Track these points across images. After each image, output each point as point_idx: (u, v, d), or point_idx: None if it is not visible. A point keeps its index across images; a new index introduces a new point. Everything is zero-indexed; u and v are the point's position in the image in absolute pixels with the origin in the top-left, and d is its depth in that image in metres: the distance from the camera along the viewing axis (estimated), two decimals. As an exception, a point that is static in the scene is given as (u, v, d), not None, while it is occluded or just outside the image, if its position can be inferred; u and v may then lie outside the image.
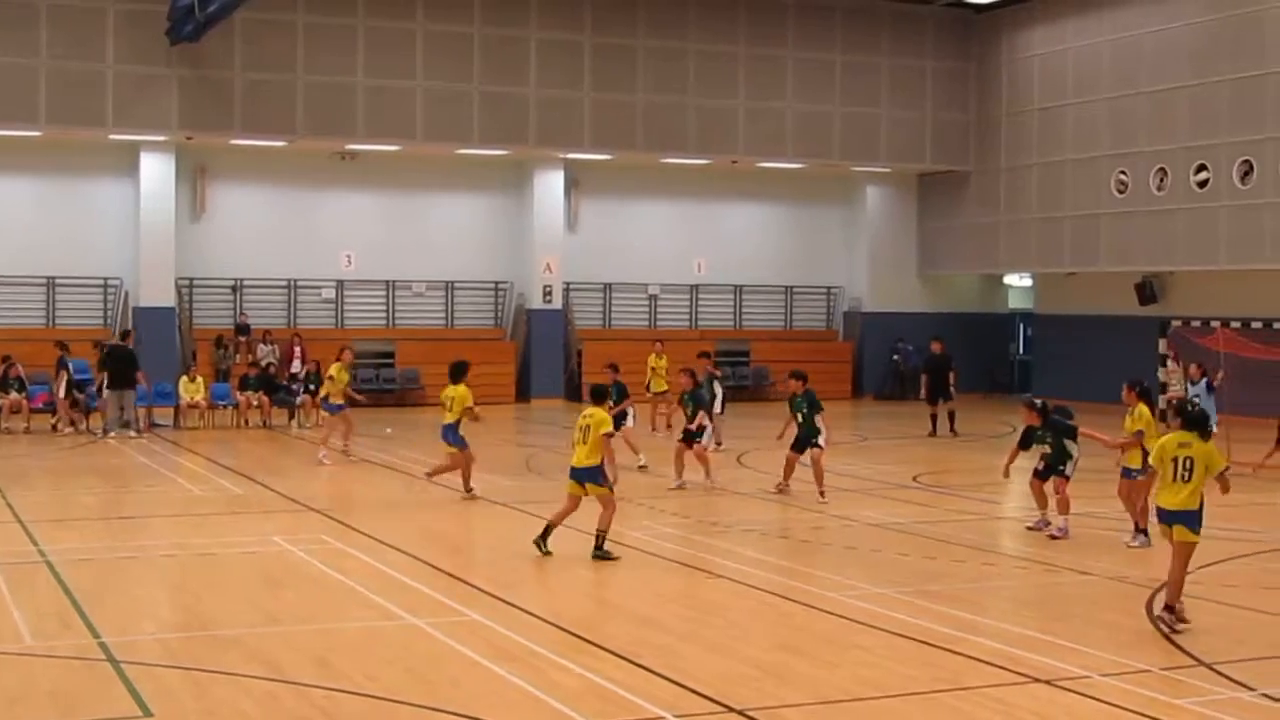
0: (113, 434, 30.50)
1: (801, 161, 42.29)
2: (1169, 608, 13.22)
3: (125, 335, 32.79)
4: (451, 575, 15.57)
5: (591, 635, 12.77)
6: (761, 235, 44.41)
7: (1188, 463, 13.21)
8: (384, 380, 39.13)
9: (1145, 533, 17.66)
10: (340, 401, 26.96)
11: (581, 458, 16.69)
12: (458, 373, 21.74)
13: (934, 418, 32.46)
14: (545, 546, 16.73)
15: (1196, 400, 24.90)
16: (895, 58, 42.28)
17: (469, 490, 21.59)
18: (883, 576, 15.74)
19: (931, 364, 33.26)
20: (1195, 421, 13.47)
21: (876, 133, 42.23)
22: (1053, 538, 18.21)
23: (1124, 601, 14.54)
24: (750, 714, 10.45)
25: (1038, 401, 19.13)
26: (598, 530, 16.71)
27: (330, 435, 27.16)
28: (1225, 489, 13.63)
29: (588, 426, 16.64)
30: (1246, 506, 21.45)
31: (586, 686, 11.17)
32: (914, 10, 42.27)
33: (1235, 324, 28.57)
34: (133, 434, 30.66)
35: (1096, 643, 12.65)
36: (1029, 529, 18.97)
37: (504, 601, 14.26)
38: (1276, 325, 27.88)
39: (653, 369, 32.08)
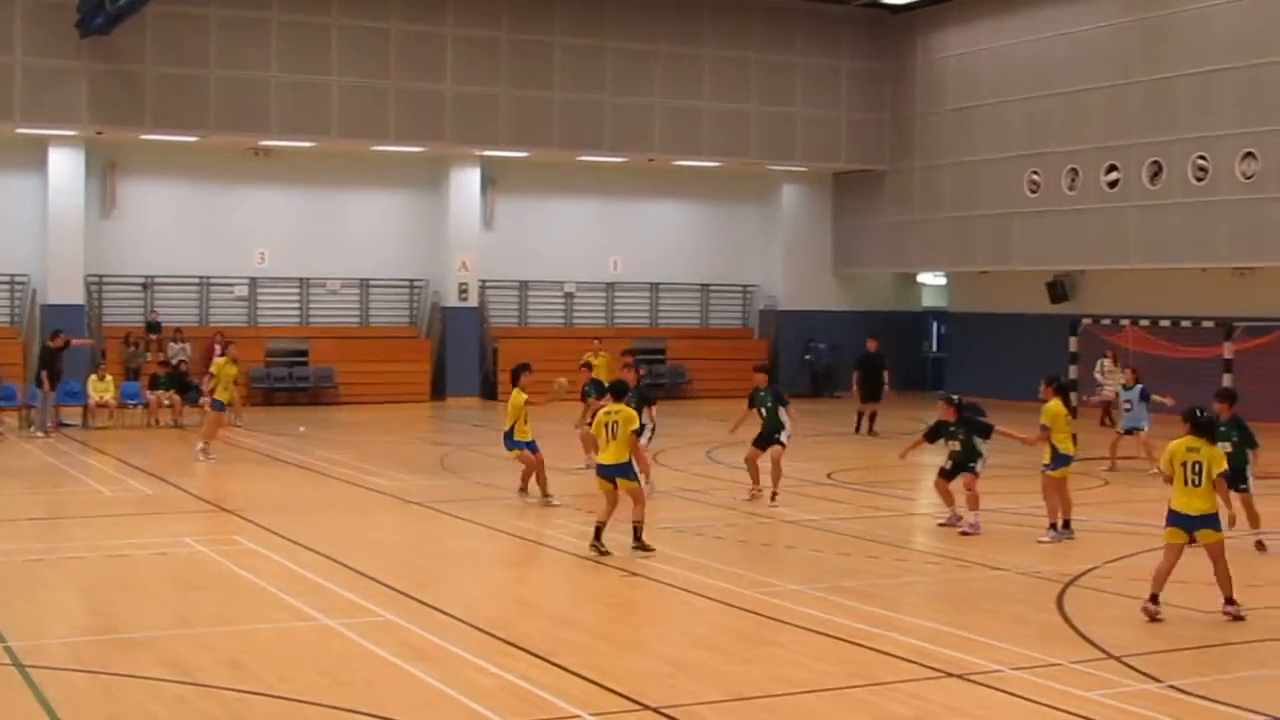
0: (40, 433, 30.33)
1: (718, 160, 42.40)
2: (1229, 600, 13.71)
3: (54, 335, 32.21)
4: (366, 575, 15.48)
5: (507, 634, 12.74)
6: (678, 233, 44.48)
7: (1197, 466, 13.60)
8: (297, 379, 38.89)
9: (1055, 527, 17.87)
10: (226, 398, 26.83)
11: (610, 455, 16.65)
12: (515, 376, 21.11)
13: (860, 416, 32.38)
14: (604, 546, 16.59)
15: (1129, 405, 25.07)
16: (811, 57, 42.47)
17: (524, 491, 21.02)
18: (797, 573, 15.81)
19: (865, 362, 33.03)
20: (1203, 426, 13.83)
21: (792, 132, 42.41)
22: (964, 534, 18.37)
23: (1035, 596, 14.69)
24: (666, 712, 10.47)
25: (955, 398, 19.27)
26: (634, 524, 16.65)
27: (218, 430, 27.03)
28: (1223, 492, 14.24)
29: (615, 424, 16.62)
30: (1156, 502, 21.73)
31: (502, 685, 11.15)
32: (830, 10, 42.47)
33: (1144, 322, 28.90)
34: (39, 434, 30.37)
35: (1008, 637, 12.78)
36: (940, 525, 19.12)
37: (419, 601, 14.21)
38: (1185, 323, 28.24)
39: (591, 366, 31.64)
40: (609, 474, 16.74)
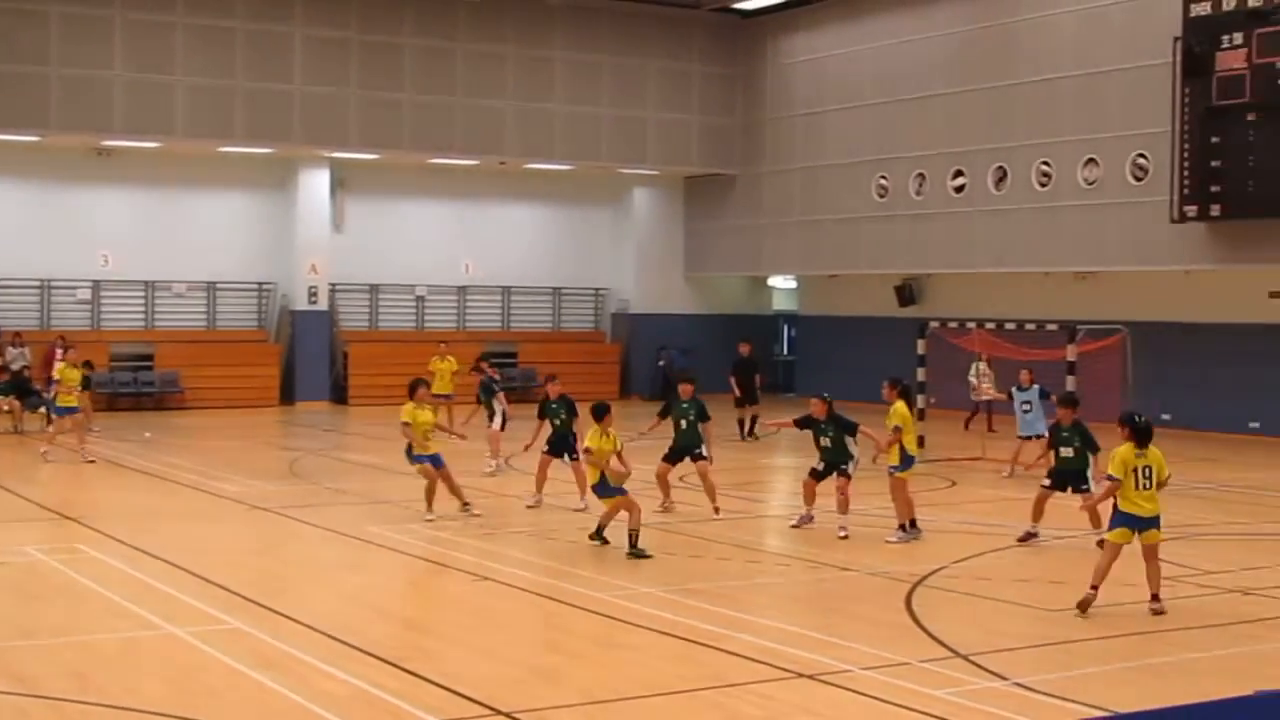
0: None
1: (569, 163, 42.44)
2: (1155, 597, 14.21)
3: None
4: (213, 583, 15.27)
5: (358, 640, 12.63)
6: (530, 237, 44.45)
7: (1147, 470, 14.05)
8: (143, 383, 38.29)
9: (904, 528, 18.12)
10: (71, 404, 26.36)
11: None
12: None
13: (741, 422, 31.90)
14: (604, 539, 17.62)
15: (1028, 406, 25.15)
16: (663, 61, 42.66)
17: (430, 509, 19.95)
18: (649, 576, 15.87)
19: (740, 366, 32.52)
20: (1144, 432, 14.17)
21: (644, 135, 42.57)
22: (842, 537, 18.46)
23: (884, 596, 14.87)
24: (519, 716, 10.46)
25: (826, 395, 19.42)
26: (630, 530, 17.10)
27: (58, 435, 26.51)
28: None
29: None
30: (999, 502, 22.16)
31: (352, 693, 11.06)
32: (681, 15, 42.69)
33: (990, 325, 29.40)
34: None
35: (857, 637, 12.93)
36: (792, 527, 19.30)
37: (268, 609, 14.05)
38: (1029, 326, 28.77)
39: (435, 371, 31.50)
40: (609, 494, 17.56)
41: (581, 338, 44.93)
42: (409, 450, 19.86)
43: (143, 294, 39.80)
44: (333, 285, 41.17)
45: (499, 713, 10.55)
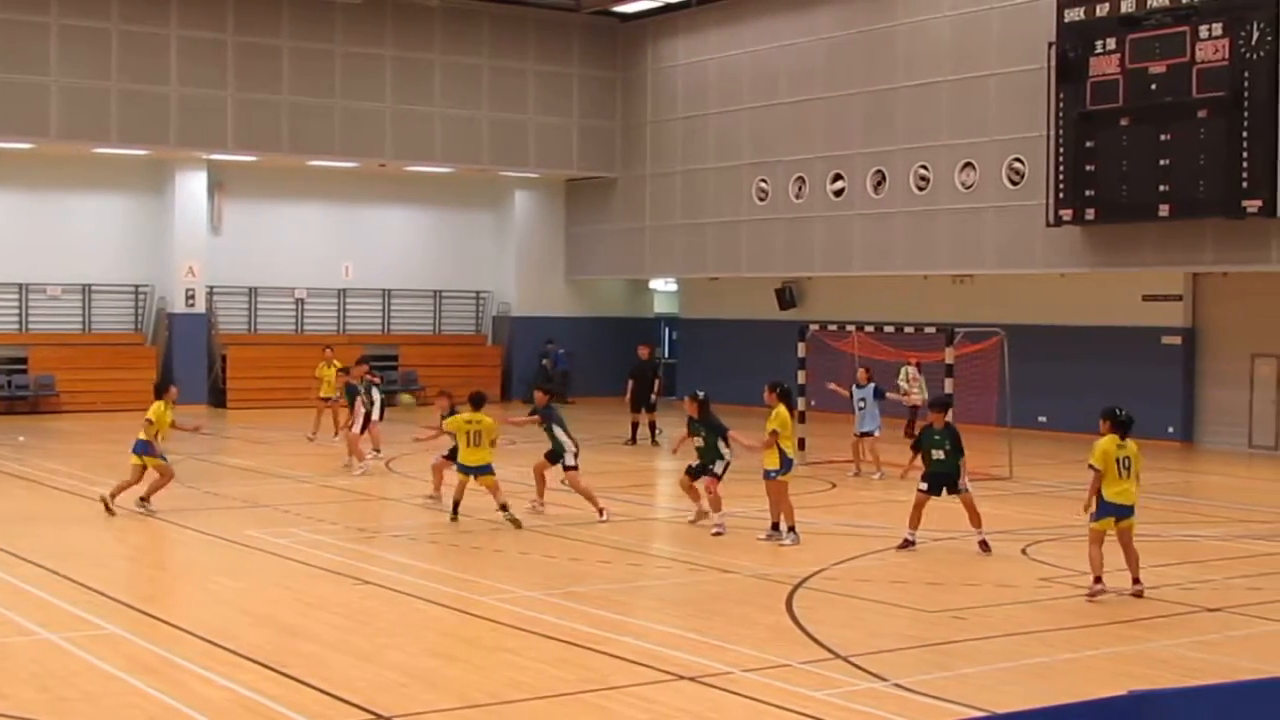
0: None
1: (450, 166, 42.28)
2: (1137, 580, 15.01)
3: None
4: (88, 588, 15.02)
5: (235, 645, 12.50)
6: (410, 239, 44.22)
7: (1126, 461, 14.76)
8: (16, 387, 37.65)
9: (792, 530, 18.22)
10: None
11: (476, 457, 19.27)
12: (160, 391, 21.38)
13: (635, 425, 31.62)
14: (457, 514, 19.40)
15: (863, 404, 25.48)
16: (543, 64, 42.60)
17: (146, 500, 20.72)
18: (530, 579, 15.84)
19: (637, 370, 31.93)
20: (1125, 425, 14.88)
21: (525, 138, 42.48)
22: (717, 534, 18.60)
23: (765, 598, 14.95)
24: (399, 720, 10.41)
25: (700, 394, 19.50)
26: (500, 504, 19.19)
27: None
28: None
29: (479, 432, 19.23)
30: (878, 504, 22.37)
31: (230, 698, 10.94)
32: (561, 18, 42.67)
33: (869, 328, 29.64)
34: None
35: (738, 639, 12.99)
36: (690, 523, 19.42)
37: (144, 613, 13.87)
38: (908, 329, 29.03)
39: (320, 377, 31.10)
40: (471, 472, 19.29)
41: (462, 341, 44.76)
42: (146, 446, 20.39)
43: (16, 296, 39.10)
44: (210, 288, 40.69)
45: (378, 716, 10.47)
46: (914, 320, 31.08)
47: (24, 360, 38.22)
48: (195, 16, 37.77)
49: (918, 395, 30.31)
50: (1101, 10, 30.10)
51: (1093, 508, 14.93)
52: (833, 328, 30.68)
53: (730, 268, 40.61)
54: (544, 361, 43.67)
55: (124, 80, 36.96)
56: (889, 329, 29.49)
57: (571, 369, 43.02)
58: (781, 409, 18.43)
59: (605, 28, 43.45)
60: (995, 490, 23.34)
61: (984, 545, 17.71)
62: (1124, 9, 29.75)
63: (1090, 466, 14.81)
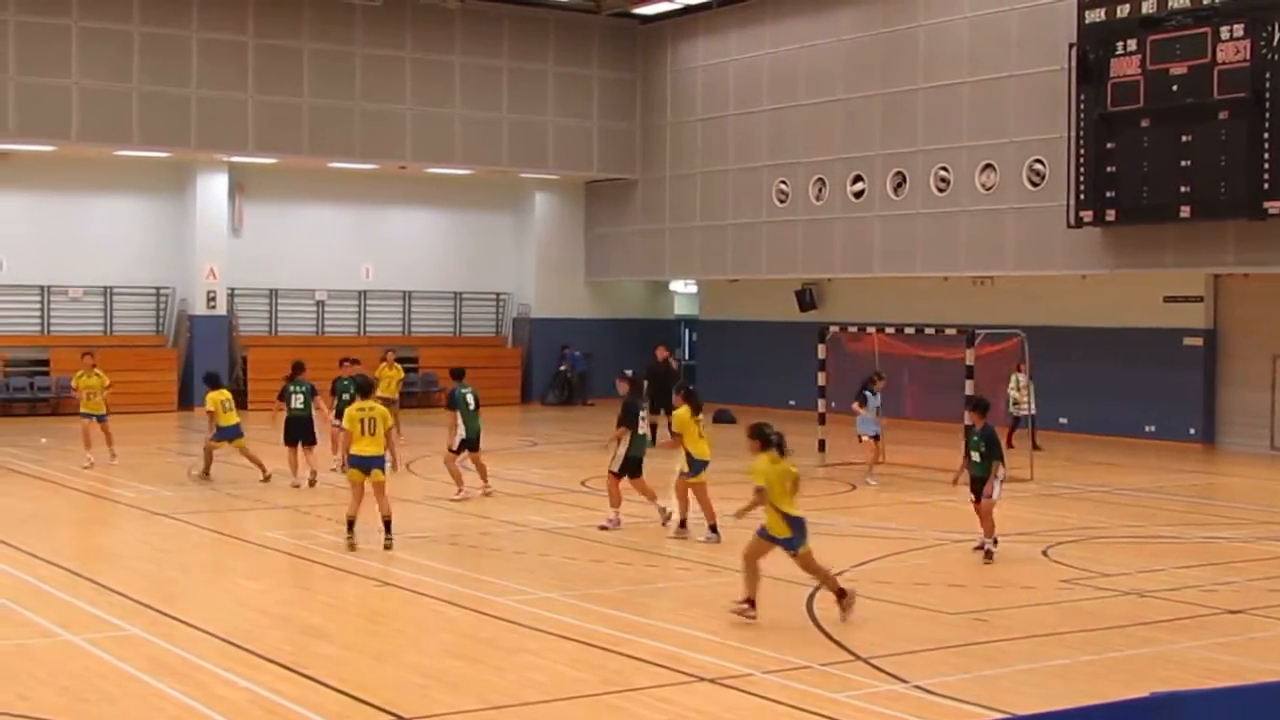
0: None
1: (469, 168, 42.31)
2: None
3: None
4: (110, 589, 15.06)
5: (255, 647, 12.51)
6: (431, 241, 44.24)
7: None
8: (38, 389, 37.73)
9: (678, 523, 18.82)
10: None
11: (369, 447, 17.62)
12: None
13: (653, 427, 31.28)
14: (355, 539, 17.58)
15: (879, 409, 25.20)
16: (563, 66, 42.60)
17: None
18: (549, 581, 15.83)
19: (654, 372, 31.39)
20: (777, 445, 14.05)
21: (545, 140, 42.48)
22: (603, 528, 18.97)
23: (785, 600, 14.88)
24: (418, 722, 10.41)
25: (629, 372, 19.60)
26: (384, 518, 17.60)
27: None
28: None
29: (372, 420, 17.66)
30: (898, 505, 22.32)
31: (250, 699, 10.95)
32: (581, 20, 42.66)
33: (890, 330, 29.60)
34: None
35: (759, 641, 12.96)
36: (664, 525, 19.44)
37: (165, 614, 13.88)
38: (929, 330, 28.97)
39: (380, 377, 30.87)
40: (366, 465, 17.60)
41: (483, 343, 44.75)
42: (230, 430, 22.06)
43: (38, 298, 39.21)
44: (231, 290, 40.77)
45: (398, 717, 10.47)
46: (934, 322, 31.04)
47: (45, 363, 38.29)
48: (216, 19, 37.82)
49: (1027, 405, 29.95)
50: (1122, 11, 30.01)
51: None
52: (853, 329, 30.66)
53: (750, 269, 40.56)
54: (561, 367, 43.64)
55: (145, 83, 37.02)
56: (909, 330, 29.44)
57: (589, 371, 43.03)
58: (683, 411, 18.54)
59: (625, 29, 43.44)
60: (1017, 492, 23.26)
61: (987, 553, 17.39)
62: (1145, 10, 29.64)
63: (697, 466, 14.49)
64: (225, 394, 24.28)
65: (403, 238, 43.69)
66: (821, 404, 29.14)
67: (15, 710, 10.60)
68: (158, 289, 40.56)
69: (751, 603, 13.77)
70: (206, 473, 24.05)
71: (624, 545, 18.31)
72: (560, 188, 45.03)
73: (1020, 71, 33.21)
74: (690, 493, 18.73)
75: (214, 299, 40.08)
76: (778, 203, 39.21)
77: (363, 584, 15.75)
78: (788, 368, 37.84)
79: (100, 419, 26.40)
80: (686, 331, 47.61)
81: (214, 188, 40.17)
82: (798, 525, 13.92)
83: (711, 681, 11.59)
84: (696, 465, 18.41)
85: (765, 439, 14.09)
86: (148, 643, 12.72)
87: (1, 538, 18.35)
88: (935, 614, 14.39)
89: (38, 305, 39.21)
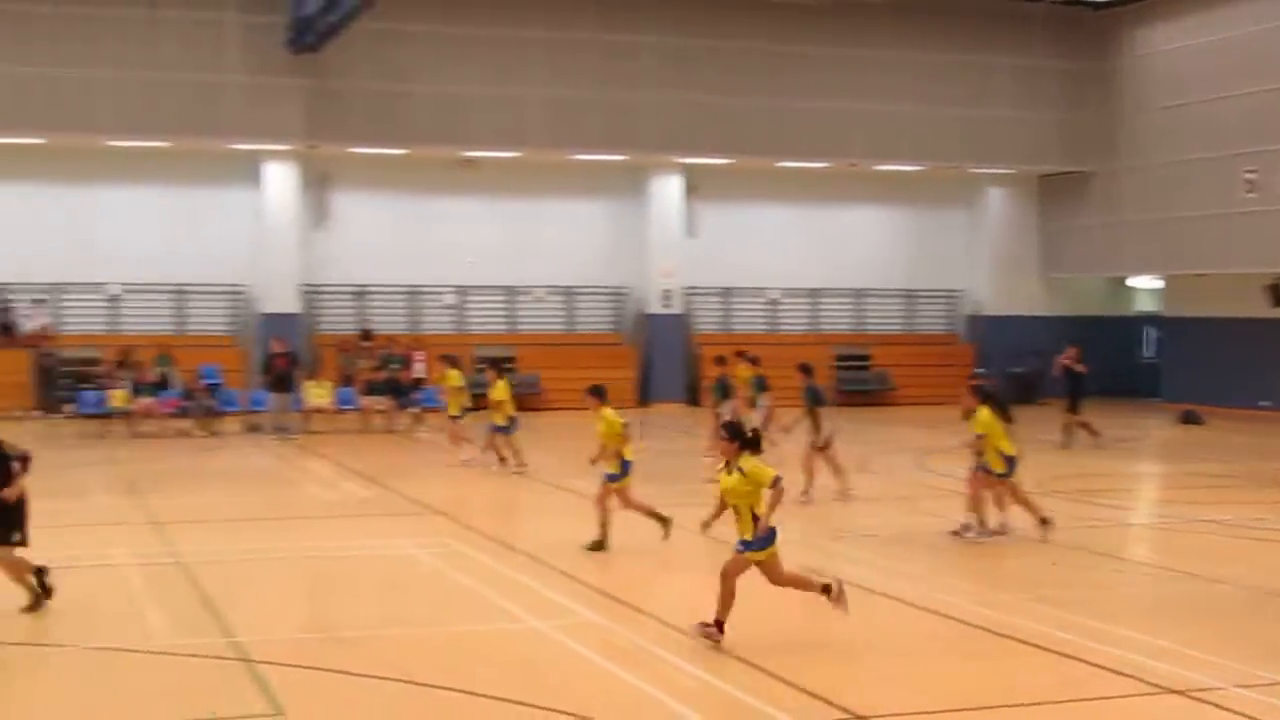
0: (271, 435, 31.63)
1: (919, 164, 42.05)
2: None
3: (278, 341, 33.60)
4: (574, 578, 15.61)
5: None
6: (881, 238, 44.17)
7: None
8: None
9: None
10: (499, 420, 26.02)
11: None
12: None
13: (1066, 427, 30.19)
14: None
15: None
16: (1014, 57, 41.73)
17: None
18: (1003, 582, 15.60)
19: (1070, 373, 30.62)
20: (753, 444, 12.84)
21: (996, 134, 41.76)
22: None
23: (1259, 610, 14.26)
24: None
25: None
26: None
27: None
28: None
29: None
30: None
31: (704, 688, 11.21)
32: (1026, 9, 41.59)
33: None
34: (292, 436, 31.64)
35: (1230, 653, 12.38)
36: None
37: (626, 604, 14.31)
38: None
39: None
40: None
41: (934, 340, 44.37)
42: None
43: (505, 298, 41.04)
44: (686, 289, 41.68)
45: (855, 715, 10.51)
46: None
47: (512, 360, 39.76)
48: (668, 24, 38.67)
49: None
50: None
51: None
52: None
53: (1216, 263, 38.84)
54: (1017, 368, 42.35)
55: (601, 89, 38.22)
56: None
57: (1042, 369, 42.04)
58: (606, 412, 17.70)
59: (1073, 18, 42.26)
60: None
61: None
62: None
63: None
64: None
65: (853, 235, 43.75)
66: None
67: (489, 691, 11.10)
68: (615, 288, 41.83)
69: (720, 625, 12.54)
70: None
71: (1082, 548, 17.82)
72: (1013, 182, 44.23)
73: None
74: (1009, 494, 18.17)
75: (669, 298, 41.06)
76: (1246, 193, 37.49)
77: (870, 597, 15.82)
78: (1258, 367, 36.25)
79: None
80: (1147, 329, 46.02)
81: (668, 189, 41.18)
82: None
83: (1181, 694, 11.14)
84: (1010, 464, 17.87)
85: (743, 439, 12.79)
86: (610, 630, 13.14)
87: (476, 527, 19.30)
88: None
89: (504, 305, 41.03)
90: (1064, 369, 30.67)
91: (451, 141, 37.79)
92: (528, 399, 38.95)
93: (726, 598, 12.49)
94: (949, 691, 11.30)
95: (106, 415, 32.08)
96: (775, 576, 12.72)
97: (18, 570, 13.71)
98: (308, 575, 16.42)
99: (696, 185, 41.71)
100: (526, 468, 25.13)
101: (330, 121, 36.45)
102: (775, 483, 12.39)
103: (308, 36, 34.10)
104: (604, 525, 17.28)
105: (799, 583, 13.00)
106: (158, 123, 35.40)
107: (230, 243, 38.20)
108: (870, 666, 12.07)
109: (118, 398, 32.05)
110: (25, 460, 13.62)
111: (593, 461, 17.89)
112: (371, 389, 33.97)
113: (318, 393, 33.57)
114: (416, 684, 11.39)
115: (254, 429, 32.52)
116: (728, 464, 12.74)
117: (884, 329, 44.21)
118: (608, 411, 17.72)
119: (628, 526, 17.63)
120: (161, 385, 32.75)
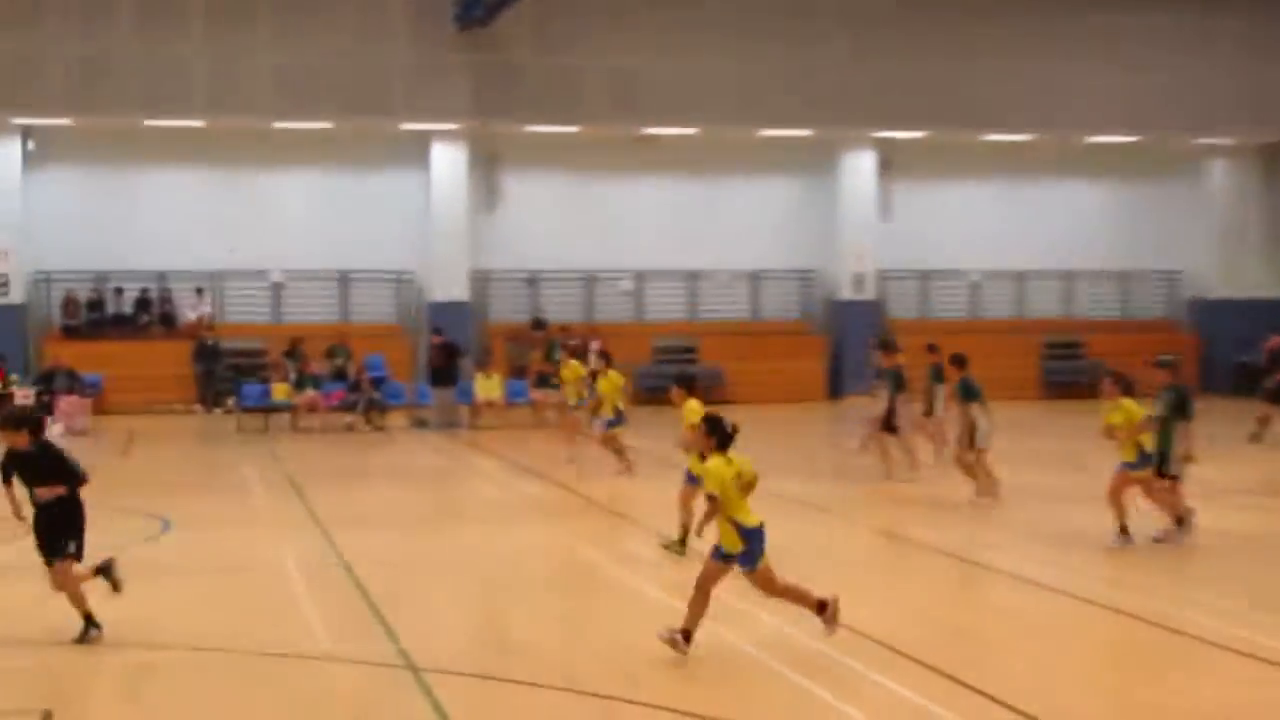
0: (437, 430, 32.29)
1: (1133, 134, 41.34)
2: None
3: (436, 332, 34.15)
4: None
5: (902, 646, 12.72)
6: (1091, 216, 43.50)
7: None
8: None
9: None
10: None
11: None
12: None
13: (1263, 421, 29.61)
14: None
15: None
16: (1234, 16, 40.86)
17: None
18: (1229, 590, 15.37)
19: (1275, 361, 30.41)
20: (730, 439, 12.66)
21: (1218, 100, 40.91)
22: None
23: None
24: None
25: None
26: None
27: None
28: None
29: None
30: None
31: (894, 700, 11.29)
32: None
33: None
34: (459, 431, 32.26)
35: None
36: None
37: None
38: None
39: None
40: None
41: (1152, 327, 43.49)
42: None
43: (684, 284, 41.14)
44: (880, 272, 41.43)
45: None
46: None
47: (693, 350, 39.95)
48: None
49: None
50: None
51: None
52: None
53: None
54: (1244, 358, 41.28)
55: (784, 59, 38.20)
56: None
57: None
58: (692, 403, 17.31)
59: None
60: None
61: None
62: None
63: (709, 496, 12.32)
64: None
65: (1061, 213, 43.16)
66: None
67: (672, 704, 11.15)
68: (802, 272, 41.72)
69: (688, 636, 12.31)
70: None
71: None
72: (1237, 153, 43.29)
73: None
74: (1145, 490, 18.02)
75: (861, 282, 40.88)
76: None
77: (1009, 584, 15.79)
78: None
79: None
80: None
81: (860, 166, 40.99)
82: (754, 537, 12.43)
83: None
84: (1147, 460, 17.62)
85: (723, 434, 12.57)
86: (800, 642, 13.17)
87: (653, 527, 19.46)
88: None
89: (684, 291, 41.14)
90: (1269, 354, 30.06)
91: (627, 118, 38.03)
92: (712, 390, 39.04)
93: (698, 607, 12.41)
94: (1159, 704, 11.19)
95: (270, 409, 32.93)
96: (769, 588, 12.67)
97: (73, 587, 12.91)
98: (476, 578, 16.64)
99: (890, 161, 41.45)
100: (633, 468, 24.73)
101: (500, 99, 36.95)
102: (711, 496, 12.31)
103: (476, 10, 34.61)
104: (685, 525, 16.74)
105: (794, 595, 12.81)
106: (321, 104, 36.20)
107: (396, 227, 38.91)
108: (1071, 676, 11.99)
109: (280, 390, 32.88)
110: (79, 479, 12.85)
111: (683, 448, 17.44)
112: (544, 381, 34.28)
113: (487, 385, 34.02)
114: (588, 694, 11.45)
115: (420, 424, 33.14)
116: (701, 456, 12.86)
117: (1098, 314, 43.53)
118: (693, 403, 17.44)
119: (826, 533, 17.61)
120: (337, 376, 33.51)
